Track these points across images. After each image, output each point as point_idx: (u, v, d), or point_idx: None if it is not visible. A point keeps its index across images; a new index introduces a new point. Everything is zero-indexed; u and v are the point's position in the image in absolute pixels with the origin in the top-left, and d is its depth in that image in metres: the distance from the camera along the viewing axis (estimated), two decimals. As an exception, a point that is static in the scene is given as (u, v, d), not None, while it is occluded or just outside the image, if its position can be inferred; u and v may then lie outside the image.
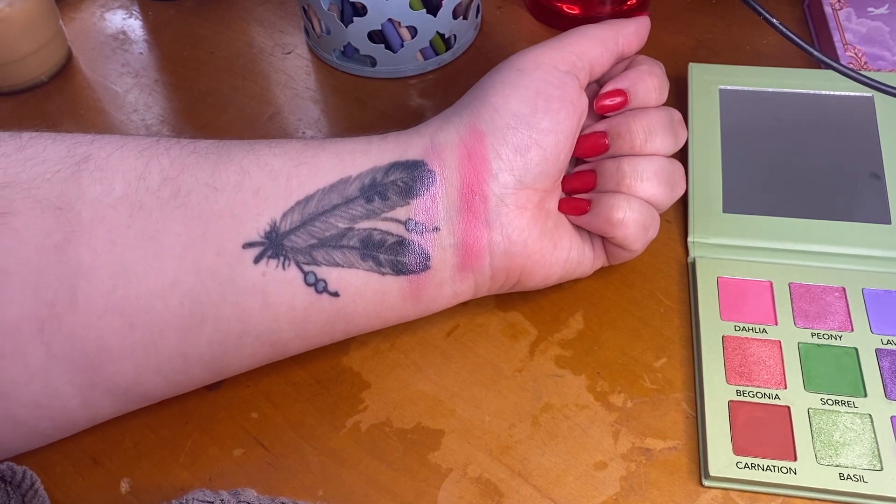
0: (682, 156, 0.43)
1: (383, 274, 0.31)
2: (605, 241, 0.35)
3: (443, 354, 0.36)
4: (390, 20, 0.46)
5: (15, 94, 0.50)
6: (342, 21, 0.46)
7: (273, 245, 0.30)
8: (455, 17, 0.48)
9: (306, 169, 0.31)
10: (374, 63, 0.49)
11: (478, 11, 0.51)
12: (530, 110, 0.31)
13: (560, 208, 0.34)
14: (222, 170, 0.30)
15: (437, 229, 0.31)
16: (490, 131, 0.31)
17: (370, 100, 0.48)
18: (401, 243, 0.31)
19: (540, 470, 0.32)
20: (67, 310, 0.28)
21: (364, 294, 0.31)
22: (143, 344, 0.29)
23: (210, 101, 0.49)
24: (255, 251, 0.30)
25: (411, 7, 0.45)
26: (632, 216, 0.32)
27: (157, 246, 0.29)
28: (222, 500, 0.28)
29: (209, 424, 0.34)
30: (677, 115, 0.35)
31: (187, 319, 0.29)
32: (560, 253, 0.33)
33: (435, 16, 0.46)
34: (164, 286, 0.29)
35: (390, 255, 0.31)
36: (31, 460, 0.32)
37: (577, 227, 0.35)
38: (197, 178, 0.30)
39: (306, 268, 0.30)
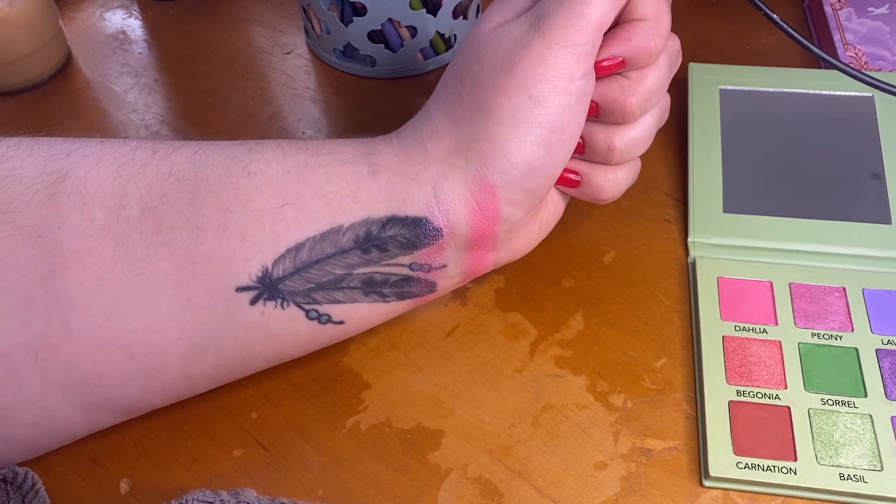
0: (682, 156, 0.43)
1: (388, 301, 0.31)
2: None
3: (443, 354, 0.36)
4: (390, 20, 0.46)
5: (15, 94, 0.50)
6: (342, 21, 0.46)
7: (268, 289, 0.29)
8: (455, 17, 0.48)
9: (291, 212, 0.29)
10: (373, 63, 0.49)
11: (478, 11, 0.51)
12: (545, 152, 0.29)
13: None
14: (202, 204, 0.28)
15: (443, 266, 0.31)
16: (503, 184, 0.29)
17: (370, 100, 0.48)
18: (406, 280, 0.31)
19: (540, 470, 0.32)
20: (62, 340, 0.27)
21: (370, 318, 0.32)
22: (146, 371, 0.29)
23: (210, 101, 0.49)
24: (251, 294, 0.29)
25: (411, 7, 0.45)
26: (619, 189, 0.32)
27: (147, 283, 0.28)
28: (222, 501, 0.28)
29: (209, 424, 0.34)
30: (675, 46, 0.32)
31: (189, 350, 0.29)
32: (540, 219, 0.33)
33: (435, 16, 0.46)
34: (161, 321, 0.28)
35: (395, 289, 0.31)
36: (31, 461, 0.32)
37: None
38: (178, 212, 0.28)
39: (307, 307, 0.29)
